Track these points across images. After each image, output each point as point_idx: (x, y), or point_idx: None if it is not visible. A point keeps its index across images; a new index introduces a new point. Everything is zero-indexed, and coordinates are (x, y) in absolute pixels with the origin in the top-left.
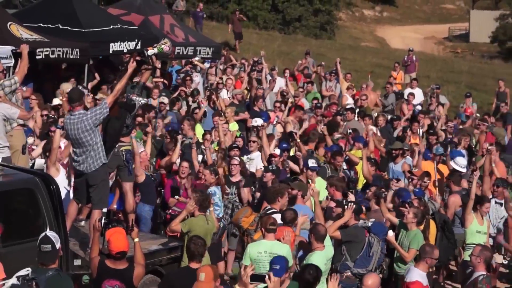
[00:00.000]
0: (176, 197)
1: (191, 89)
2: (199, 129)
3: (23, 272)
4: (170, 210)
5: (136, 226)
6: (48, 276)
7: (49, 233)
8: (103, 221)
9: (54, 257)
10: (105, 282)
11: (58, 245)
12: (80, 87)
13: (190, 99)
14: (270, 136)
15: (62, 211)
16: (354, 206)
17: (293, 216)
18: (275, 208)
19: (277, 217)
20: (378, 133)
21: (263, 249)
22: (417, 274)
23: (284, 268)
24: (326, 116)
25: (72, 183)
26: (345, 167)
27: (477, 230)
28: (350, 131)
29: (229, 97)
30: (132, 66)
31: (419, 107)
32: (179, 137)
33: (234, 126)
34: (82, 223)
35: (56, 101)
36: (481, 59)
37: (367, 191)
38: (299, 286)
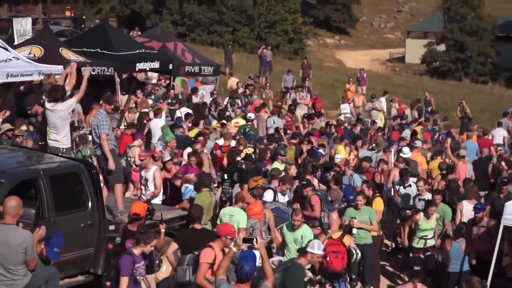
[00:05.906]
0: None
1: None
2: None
3: None
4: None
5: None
6: None
7: None
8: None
9: None
10: (128, 241)
11: None
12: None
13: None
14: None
15: (101, 189)
16: None
17: (260, 193)
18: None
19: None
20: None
21: (226, 213)
22: None
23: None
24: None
25: None
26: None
27: (426, 228)
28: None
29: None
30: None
31: None
32: None
33: (241, 122)
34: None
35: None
36: (414, 75)
37: (327, 174)
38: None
